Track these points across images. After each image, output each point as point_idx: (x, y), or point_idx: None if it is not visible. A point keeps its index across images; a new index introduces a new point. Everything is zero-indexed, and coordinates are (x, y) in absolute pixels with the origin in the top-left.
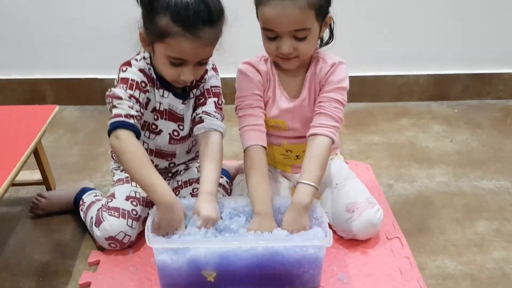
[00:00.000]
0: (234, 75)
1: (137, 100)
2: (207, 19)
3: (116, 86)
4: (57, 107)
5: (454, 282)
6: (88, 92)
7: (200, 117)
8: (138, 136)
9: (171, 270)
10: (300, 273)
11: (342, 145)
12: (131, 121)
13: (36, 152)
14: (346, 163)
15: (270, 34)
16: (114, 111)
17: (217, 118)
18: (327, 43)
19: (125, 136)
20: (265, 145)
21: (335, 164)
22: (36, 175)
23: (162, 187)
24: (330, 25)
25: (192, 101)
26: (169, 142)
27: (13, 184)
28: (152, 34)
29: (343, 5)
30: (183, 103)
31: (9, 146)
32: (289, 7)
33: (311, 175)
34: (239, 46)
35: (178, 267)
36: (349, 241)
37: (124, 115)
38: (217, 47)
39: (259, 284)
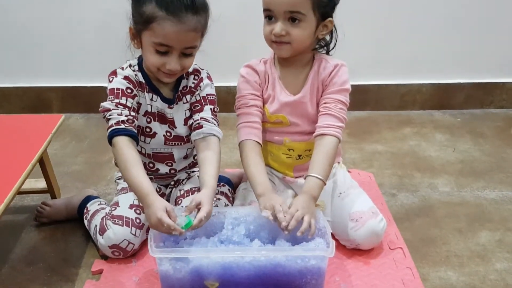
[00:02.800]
0: None
1: (125, 106)
2: (190, 6)
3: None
4: (63, 116)
5: None
6: (93, 100)
7: (199, 123)
8: (133, 137)
9: (174, 280)
10: (302, 283)
11: (345, 153)
12: (122, 126)
13: (41, 161)
14: (349, 172)
15: (268, 15)
16: (108, 123)
17: (214, 124)
18: (328, 45)
19: (116, 142)
20: (258, 140)
21: (339, 173)
22: (41, 184)
23: (148, 189)
24: (331, 31)
25: (184, 106)
26: (165, 143)
27: (18, 192)
28: (139, 24)
29: (347, 14)
30: (169, 107)
31: (15, 155)
32: None
33: (321, 169)
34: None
35: (181, 277)
36: (351, 251)
37: (115, 124)
38: (201, 49)
39: None
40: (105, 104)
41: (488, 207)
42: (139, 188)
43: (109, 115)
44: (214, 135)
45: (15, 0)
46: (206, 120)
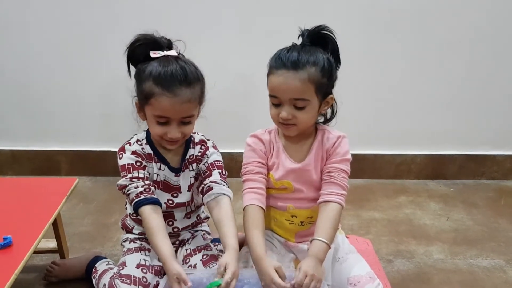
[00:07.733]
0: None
1: (138, 178)
2: (183, 80)
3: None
4: (77, 180)
5: None
6: (100, 164)
7: (209, 186)
8: (156, 203)
9: None
10: None
11: (343, 220)
12: (141, 197)
13: (54, 222)
14: (347, 237)
15: (275, 101)
16: (129, 198)
17: (224, 185)
18: (328, 120)
19: (141, 212)
20: (261, 205)
21: (338, 238)
22: (52, 244)
23: (166, 256)
24: (332, 105)
25: (190, 173)
26: (166, 209)
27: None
28: (141, 100)
29: (347, 90)
30: (176, 175)
31: (31, 217)
32: (292, 78)
33: (326, 234)
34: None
35: None
36: None
37: (135, 196)
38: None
39: None
40: (121, 182)
41: (480, 275)
42: (160, 255)
43: (128, 191)
44: (225, 194)
45: (28, 74)
46: (215, 182)
